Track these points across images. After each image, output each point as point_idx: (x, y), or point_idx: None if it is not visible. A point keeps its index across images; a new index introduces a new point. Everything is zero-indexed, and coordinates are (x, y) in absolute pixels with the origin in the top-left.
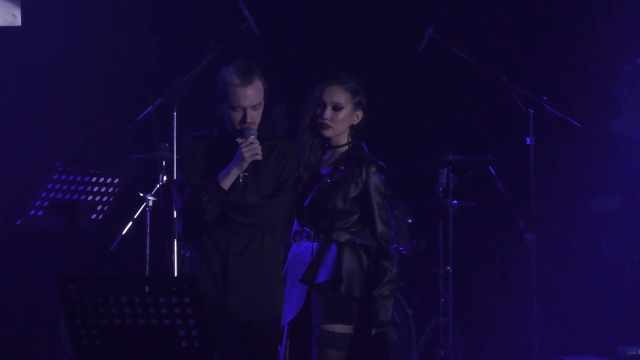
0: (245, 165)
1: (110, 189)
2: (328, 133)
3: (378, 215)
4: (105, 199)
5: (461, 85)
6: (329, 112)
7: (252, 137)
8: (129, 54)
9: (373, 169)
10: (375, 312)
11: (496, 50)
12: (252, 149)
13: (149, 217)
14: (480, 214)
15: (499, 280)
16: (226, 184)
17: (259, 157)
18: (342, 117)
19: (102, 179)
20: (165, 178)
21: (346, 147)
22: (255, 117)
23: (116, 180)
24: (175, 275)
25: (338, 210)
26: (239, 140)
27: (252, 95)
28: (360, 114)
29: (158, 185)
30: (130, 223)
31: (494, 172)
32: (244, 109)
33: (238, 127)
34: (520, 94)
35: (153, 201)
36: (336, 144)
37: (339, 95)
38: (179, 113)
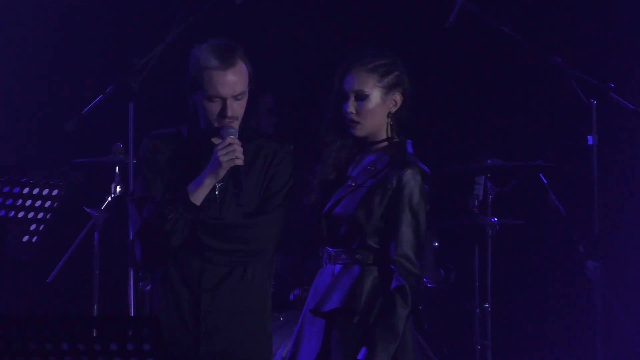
0: (222, 173)
1: (48, 203)
2: (358, 132)
3: (403, 233)
4: (40, 216)
5: (502, 69)
6: (352, 105)
7: (232, 136)
8: (72, 29)
9: (409, 173)
10: (370, 354)
11: (548, 23)
12: (230, 152)
13: (97, 239)
14: (527, 236)
15: (552, 320)
16: (198, 197)
17: (240, 162)
18: (370, 107)
19: (36, 191)
20: (119, 189)
21: (385, 144)
22: (237, 110)
23: (55, 192)
24: (132, 315)
25: (359, 223)
26: (214, 140)
27: (233, 82)
28: (398, 97)
29: (110, 199)
30: (74, 247)
31: (545, 182)
32: (224, 100)
33: (215, 124)
34: (580, 80)
35: (103, 219)
36: (373, 140)
37: (361, 80)
38: (137, 105)
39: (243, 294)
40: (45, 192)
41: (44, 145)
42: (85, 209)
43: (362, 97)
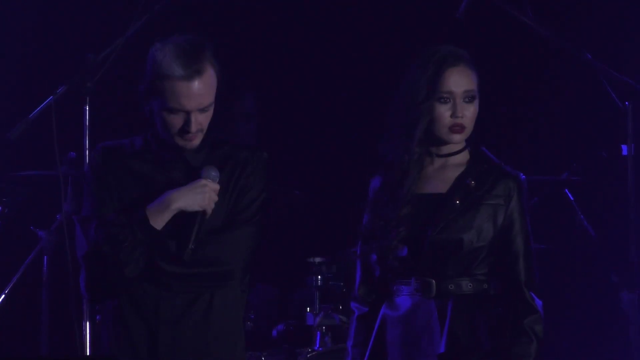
0: (197, 206)
1: None
2: (462, 138)
3: (524, 257)
4: None
5: (522, 67)
6: (463, 108)
7: (210, 180)
8: (16, 18)
9: (517, 185)
10: None
11: (577, 15)
12: (213, 197)
13: (46, 264)
14: (551, 263)
15: (582, 358)
16: (160, 221)
17: (209, 211)
18: (475, 109)
19: None
20: (71, 206)
21: (464, 154)
22: (202, 122)
23: None
24: (88, 354)
25: (477, 247)
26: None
27: (200, 94)
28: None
29: (60, 217)
30: (19, 274)
31: (572, 199)
32: (187, 113)
33: (175, 139)
34: (614, 80)
35: (53, 241)
36: (449, 150)
37: (470, 79)
38: (92, 108)
39: (210, 327)
40: None
41: None
42: (33, 229)
43: (471, 98)
